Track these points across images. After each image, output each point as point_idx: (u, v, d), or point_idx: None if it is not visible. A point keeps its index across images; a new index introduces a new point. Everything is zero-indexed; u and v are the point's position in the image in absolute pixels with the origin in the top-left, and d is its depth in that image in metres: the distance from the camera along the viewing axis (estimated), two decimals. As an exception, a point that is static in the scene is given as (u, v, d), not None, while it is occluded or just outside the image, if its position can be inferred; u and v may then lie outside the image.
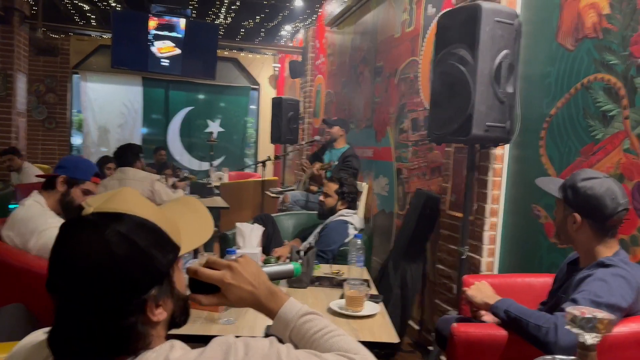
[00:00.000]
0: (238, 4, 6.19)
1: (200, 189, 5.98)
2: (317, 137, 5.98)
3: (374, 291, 2.13)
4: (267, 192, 6.41)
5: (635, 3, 2.04)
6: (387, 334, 1.66)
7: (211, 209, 4.49)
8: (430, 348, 3.16)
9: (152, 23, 6.51)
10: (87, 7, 6.95)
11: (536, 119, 2.55)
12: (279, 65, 9.73)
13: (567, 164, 2.34)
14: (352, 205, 3.20)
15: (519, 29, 2.48)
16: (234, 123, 10.01)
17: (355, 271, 2.02)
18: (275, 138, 7.01)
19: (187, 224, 0.98)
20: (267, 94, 10.10)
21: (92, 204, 0.82)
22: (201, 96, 9.89)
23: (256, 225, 2.19)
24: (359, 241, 2.04)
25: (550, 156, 2.46)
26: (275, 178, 7.28)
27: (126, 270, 0.78)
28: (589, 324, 0.96)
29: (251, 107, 10.27)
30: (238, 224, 2.14)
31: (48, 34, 8.15)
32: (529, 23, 2.65)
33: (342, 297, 1.96)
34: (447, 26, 2.59)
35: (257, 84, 10.17)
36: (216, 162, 9.20)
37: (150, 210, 0.87)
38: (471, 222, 2.84)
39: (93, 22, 7.53)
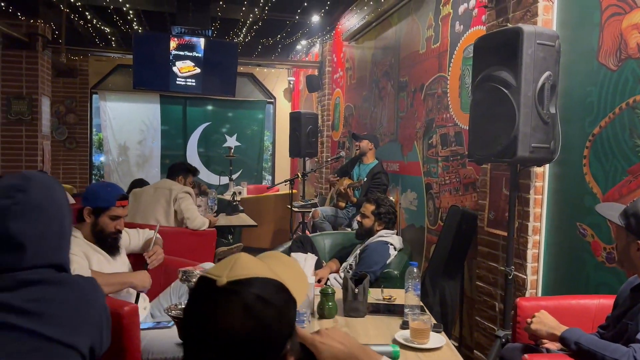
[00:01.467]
0: (260, 24, 6.22)
1: (225, 207, 5.99)
2: (342, 153, 5.98)
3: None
4: (289, 207, 6.42)
5: (682, 24, 2.03)
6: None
7: (237, 227, 4.49)
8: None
9: (173, 44, 6.55)
10: (108, 30, 7.01)
11: (578, 137, 2.54)
12: (293, 78, 9.76)
13: (613, 184, 2.33)
14: (389, 225, 3.19)
15: (560, 50, 2.48)
16: (250, 137, 10.04)
17: (411, 299, 2.01)
18: (295, 152, 7.04)
19: (289, 278, 0.99)
20: (283, 107, 10.14)
21: (221, 274, 0.83)
22: (218, 111, 9.93)
23: (309, 255, 2.19)
24: (415, 269, 2.03)
25: (594, 175, 2.44)
26: (295, 191, 7.28)
27: (271, 331, 0.82)
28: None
29: (267, 120, 10.30)
30: (293, 254, 2.14)
31: (69, 57, 8.24)
32: (566, 42, 2.65)
33: (402, 326, 1.95)
34: (486, 48, 2.59)
35: (273, 98, 10.21)
36: (234, 176, 9.22)
37: (267, 270, 0.89)
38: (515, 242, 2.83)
39: (113, 44, 7.59)
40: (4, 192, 1.15)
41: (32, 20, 6.34)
